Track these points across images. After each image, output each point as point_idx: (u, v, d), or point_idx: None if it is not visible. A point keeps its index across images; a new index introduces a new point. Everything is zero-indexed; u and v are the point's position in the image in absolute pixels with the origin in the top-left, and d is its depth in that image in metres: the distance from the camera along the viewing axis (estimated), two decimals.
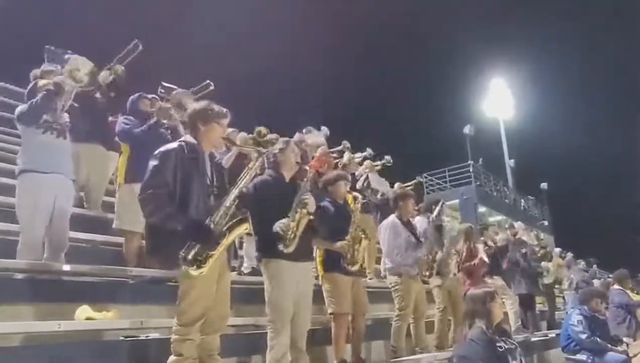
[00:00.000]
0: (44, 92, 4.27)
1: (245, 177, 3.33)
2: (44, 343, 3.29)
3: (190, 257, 2.99)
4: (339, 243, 4.60)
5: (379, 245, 6.67)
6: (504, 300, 6.59)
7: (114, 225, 5.03)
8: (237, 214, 3.21)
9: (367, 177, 7.65)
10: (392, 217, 5.82)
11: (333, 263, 4.67)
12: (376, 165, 8.14)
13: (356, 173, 7.71)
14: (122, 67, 5.12)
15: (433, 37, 34.40)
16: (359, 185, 7.39)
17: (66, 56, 4.47)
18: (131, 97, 5.43)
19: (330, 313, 4.67)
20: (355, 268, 4.66)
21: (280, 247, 3.82)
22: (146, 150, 3.50)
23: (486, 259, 6.94)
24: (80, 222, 5.00)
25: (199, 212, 3.16)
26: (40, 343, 3.29)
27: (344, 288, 4.66)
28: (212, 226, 3.10)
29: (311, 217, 3.98)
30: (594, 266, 16.26)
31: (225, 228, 3.13)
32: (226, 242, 3.12)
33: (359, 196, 5.28)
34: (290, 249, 3.85)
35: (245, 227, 3.18)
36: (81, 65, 4.36)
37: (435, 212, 6.28)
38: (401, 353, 5.37)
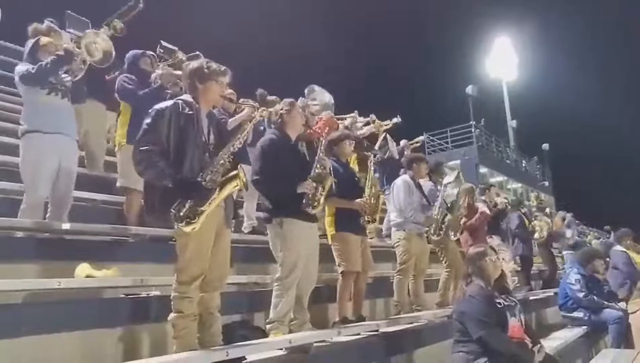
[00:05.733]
0: (54, 57, 4.20)
1: (239, 134, 3.29)
2: (44, 300, 3.29)
3: (182, 213, 2.97)
4: (357, 201, 4.64)
5: (384, 206, 6.69)
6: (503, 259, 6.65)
7: (118, 184, 5.01)
8: (232, 171, 3.17)
9: (385, 137, 7.74)
10: (406, 176, 5.89)
11: (345, 222, 4.69)
12: (387, 125, 8.09)
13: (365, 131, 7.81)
14: (122, 24, 4.94)
15: None
16: (373, 143, 7.48)
17: (87, 30, 4.37)
18: (132, 53, 5.26)
19: (341, 272, 4.69)
20: (374, 225, 4.67)
21: (308, 209, 3.90)
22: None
23: (488, 211, 7.00)
24: (81, 181, 4.96)
25: (193, 169, 3.11)
26: (40, 300, 3.29)
27: (355, 247, 4.68)
28: (203, 183, 3.06)
29: (334, 179, 4.05)
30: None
31: (216, 184, 3.09)
32: (218, 198, 3.07)
33: (370, 155, 5.28)
34: (318, 210, 3.97)
35: (236, 184, 3.12)
36: (101, 41, 4.37)
37: (450, 179, 6.35)
38: (405, 308, 5.43)
